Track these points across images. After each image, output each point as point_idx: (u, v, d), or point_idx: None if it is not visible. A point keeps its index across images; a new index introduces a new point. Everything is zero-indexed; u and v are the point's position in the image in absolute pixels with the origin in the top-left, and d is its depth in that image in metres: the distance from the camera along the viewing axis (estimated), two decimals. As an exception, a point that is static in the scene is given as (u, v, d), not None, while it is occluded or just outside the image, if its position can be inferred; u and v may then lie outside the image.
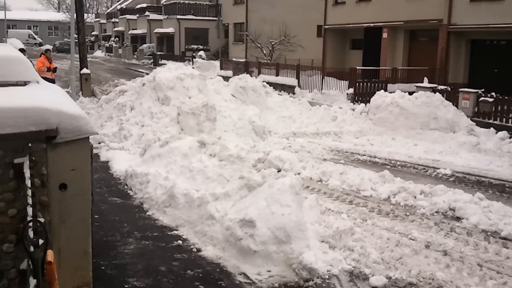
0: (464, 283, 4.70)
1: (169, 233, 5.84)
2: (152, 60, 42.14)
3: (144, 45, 50.30)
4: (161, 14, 46.58)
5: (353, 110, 14.26)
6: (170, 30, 43.72)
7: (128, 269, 4.92)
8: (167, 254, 5.28)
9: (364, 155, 10.31)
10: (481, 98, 13.60)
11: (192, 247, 5.44)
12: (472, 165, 9.41)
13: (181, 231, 5.84)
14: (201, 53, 36.16)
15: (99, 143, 10.36)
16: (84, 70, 17.37)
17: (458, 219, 6.45)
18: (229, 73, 25.55)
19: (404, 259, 5.19)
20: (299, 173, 8.22)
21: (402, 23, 22.25)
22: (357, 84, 18.08)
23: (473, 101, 13.98)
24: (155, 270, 4.92)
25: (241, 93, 13.26)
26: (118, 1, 69.03)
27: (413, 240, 5.72)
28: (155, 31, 46.87)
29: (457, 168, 9.12)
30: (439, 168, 9.04)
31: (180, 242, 5.57)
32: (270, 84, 17.34)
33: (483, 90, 14.12)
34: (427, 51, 21.66)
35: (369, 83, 18.09)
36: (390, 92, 13.78)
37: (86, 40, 23.45)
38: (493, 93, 13.62)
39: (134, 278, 4.73)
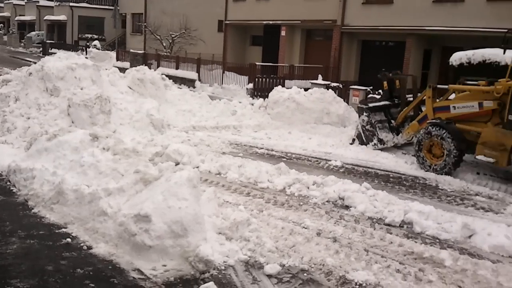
0: (351, 268, 4.97)
1: (57, 231, 5.50)
2: (41, 49, 39.59)
3: (33, 33, 47.04)
4: (52, 1, 43.87)
5: (252, 104, 14.50)
6: (62, 17, 41.30)
7: (10, 270, 4.55)
8: (54, 253, 4.97)
9: (262, 148, 10.53)
10: (370, 95, 14.51)
11: (82, 244, 5.18)
12: (360, 157, 10.01)
13: (70, 229, 5.53)
14: (96, 42, 34.64)
15: (-22, 136, 9.47)
16: (-39, 57, 15.78)
17: (347, 207, 6.82)
18: (126, 64, 24.74)
19: (297, 247, 5.38)
20: (197, 167, 8.19)
21: (299, 22, 23.07)
22: (256, 79, 18.43)
23: (363, 97, 14.88)
24: (41, 270, 4.61)
25: (139, 86, 12.89)
26: (3, -16, 63.59)
27: (305, 228, 5.95)
28: (45, 18, 43.98)
29: (347, 160, 9.65)
30: (330, 160, 9.51)
31: (69, 240, 5.27)
32: (169, 77, 17.08)
33: (371, 87, 15.09)
34: (322, 49, 22.69)
35: (267, 79, 18.53)
36: (287, 88, 14.21)
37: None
38: (380, 90, 14.59)
39: (17, 279, 4.38)
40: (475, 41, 16.08)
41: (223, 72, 21.10)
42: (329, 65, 21.46)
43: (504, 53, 8.98)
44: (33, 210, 6.06)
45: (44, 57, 13.33)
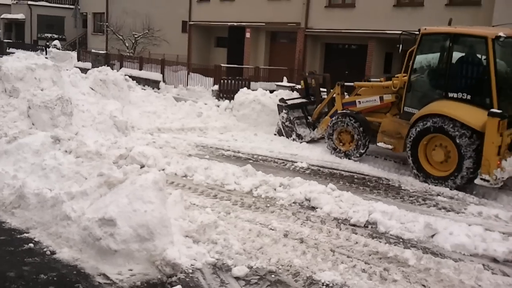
0: (318, 268, 5.02)
1: (18, 236, 5.33)
2: (-2, 48, 38.28)
3: (-11, 31, 45.46)
4: (9, -2, 42.48)
5: (218, 106, 14.46)
6: (20, 16, 40.11)
7: (-32, 279, 4.38)
8: (16, 259, 4.82)
9: (228, 150, 10.51)
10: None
11: (45, 249, 5.03)
12: (326, 158, 10.14)
13: (32, 234, 5.36)
14: (56, 42, 33.81)
15: None
16: None
17: (313, 208, 6.88)
18: (87, 65, 24.23)
19: (265, 249, 5.39)
20: (163, 169, 8.09)
21: (264, 24, 23.17)
22: (221, 81, 18.37)
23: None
24: (3, 276, 4.46)
25: (101, 87, 12.63)
26: (-44, -20, 61.13)
27: (273, 230, 5.97)
28: (2, 16, 42.57)
29: (312, 162, 9.75)
30: (296, 162, 9.58)
31: (31, 245, 5.12)
32: (133, 78, 16.83)
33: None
34: (287, 52, 22.86)
35: (233, 81, 18.49)
36: (253, 90, 14.24)
37: None
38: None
39: (-25, 288, 4.22)
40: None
41: (188, 74, 20.95)
42: (294, 67, 21.64)
43: (400, 51, 9.83)
44: (-8, 215, 5.85)
45: (1, 57, 12.91)
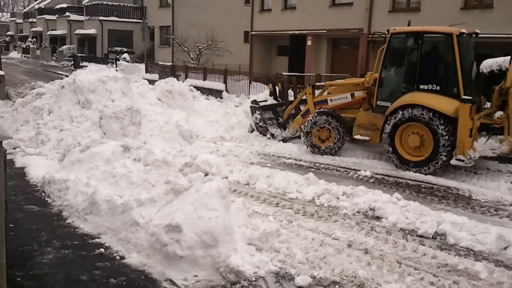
0: (384, 280, 4.89)
1: (90, 241, 5.61)
2: (72, 62, 40.66)
3: (64, 47, 48.38)
4: (82, 15, 45.01)
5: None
6: (92, 31, 42.31)
7: (46, 280, 4.66)
8: (88, 263, 5.06)
9: (290, 158, 10.51)
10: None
11: (115, 254, 5.26)
12: (390, 167, 9.85)
13: (103, 239, 5.63)
14: (125, 55, 35.30)
15: (14, 148, 9.77)
16: (-3, 72, 16.29)
17: (378, 218, 6.72)
18: (155, 76, 25.10)
19: (328, 258, 5.32)
20: (226, 177, 8.23)
21: (325, 31, 23.03)
22: (283, 89, 18.40)
23: (391, 106, 14.71)
24: (76, 279, 4.70)
25: (168, 97, 13.07)
26: (36, 1, 65.73)
27: (336, 239, 5.89)
28: (76, 32, 45.18)
29: (376, 170, 9.53)
30: (359, 170, 9.40)
31: (102, 250, 5.37)
32: (197, 88, 17.23)
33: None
34: (349, 58, 22.58)
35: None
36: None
37: (0, 40, 22.03)
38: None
39: (52, 289, 4.48)
40: (506, 48, 15.73)
41: (250, 83, 21.18)
42: (357, 74, 21.31)
43: (372, 50, 10.34)
44: (67, 221, 6.20)
45: (75, 70, 13.70)
